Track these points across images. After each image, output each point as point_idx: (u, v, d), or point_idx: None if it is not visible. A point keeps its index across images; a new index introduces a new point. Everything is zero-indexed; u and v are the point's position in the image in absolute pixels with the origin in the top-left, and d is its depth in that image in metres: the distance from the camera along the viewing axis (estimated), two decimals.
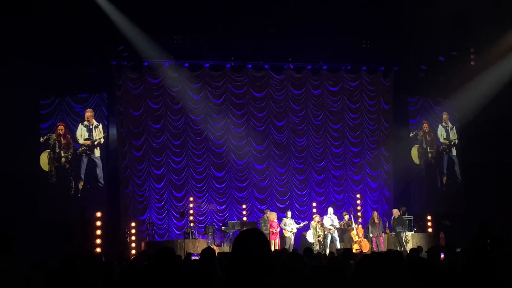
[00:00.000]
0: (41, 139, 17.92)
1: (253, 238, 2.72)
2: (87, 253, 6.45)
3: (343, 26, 17.84)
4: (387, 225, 17.92)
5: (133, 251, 16.77)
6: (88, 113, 18.08)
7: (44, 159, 17.88)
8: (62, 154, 17.92)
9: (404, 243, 16.86)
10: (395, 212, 17.52)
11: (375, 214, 17.59)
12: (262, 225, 16.98)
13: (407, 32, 17.98)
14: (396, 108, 20.45)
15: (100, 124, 18.09)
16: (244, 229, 3.00)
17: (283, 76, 19.73)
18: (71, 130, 18.03)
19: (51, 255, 11.71)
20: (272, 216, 17.20)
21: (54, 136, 17.93)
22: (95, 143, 18.00)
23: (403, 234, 17.10)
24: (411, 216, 18.51)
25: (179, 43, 17.97)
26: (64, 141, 17.95)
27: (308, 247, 11.92)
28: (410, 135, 20.60)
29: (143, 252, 13.56)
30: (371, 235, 17.23)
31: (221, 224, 18.01)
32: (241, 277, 2.60)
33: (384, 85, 20.28)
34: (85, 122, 18.05)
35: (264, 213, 17.63)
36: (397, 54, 19.30)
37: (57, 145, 17.94)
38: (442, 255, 8.58)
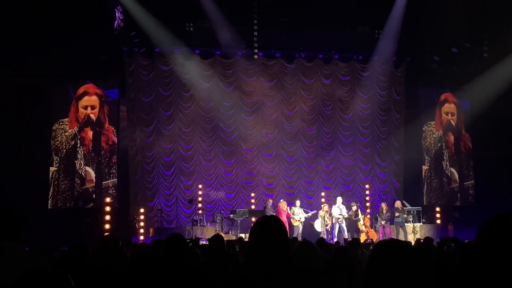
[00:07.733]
0: (54, 125, 17.93)
1: (272, 224, 2.69)
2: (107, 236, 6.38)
3: (355, 16, 17.72)
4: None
5: (142, 237, 16.87)
6: (100, 99, 18.10)
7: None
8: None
9: (412, 234, 16.85)
10: (398, 204, 17.49)
11: (384, 205, 17.51)
12: (266, 212, 17.03)
13: (420, 23, 17.83)
14: (407, 98, 20.34)
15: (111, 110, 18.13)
16: (262, 216, 2.93)
17: (294, 64, 19.63)
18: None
19: (61, 241, 11.80)
20: (282, 205, 17.19)
21: (66, 121, 17.94)
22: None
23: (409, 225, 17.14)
24: (420, 207, 18.45)
25: (191, 30, 17.91)
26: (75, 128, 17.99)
27: (322, 237, 11.94)
28: (421, 126, 20.47)
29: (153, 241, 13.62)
30: (381, 223, 17.19)
31: (229, 212, 17.98)
32: (260, 262, 2.57)
33: (396, 76, 20.16)
34: (96, 109, 18.07)
35: (267, 200, 17.65)
36: (409, 44, 19.14)
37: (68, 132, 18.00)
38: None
